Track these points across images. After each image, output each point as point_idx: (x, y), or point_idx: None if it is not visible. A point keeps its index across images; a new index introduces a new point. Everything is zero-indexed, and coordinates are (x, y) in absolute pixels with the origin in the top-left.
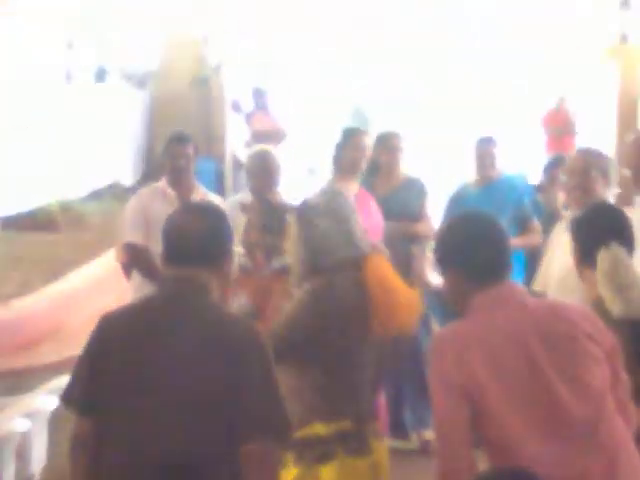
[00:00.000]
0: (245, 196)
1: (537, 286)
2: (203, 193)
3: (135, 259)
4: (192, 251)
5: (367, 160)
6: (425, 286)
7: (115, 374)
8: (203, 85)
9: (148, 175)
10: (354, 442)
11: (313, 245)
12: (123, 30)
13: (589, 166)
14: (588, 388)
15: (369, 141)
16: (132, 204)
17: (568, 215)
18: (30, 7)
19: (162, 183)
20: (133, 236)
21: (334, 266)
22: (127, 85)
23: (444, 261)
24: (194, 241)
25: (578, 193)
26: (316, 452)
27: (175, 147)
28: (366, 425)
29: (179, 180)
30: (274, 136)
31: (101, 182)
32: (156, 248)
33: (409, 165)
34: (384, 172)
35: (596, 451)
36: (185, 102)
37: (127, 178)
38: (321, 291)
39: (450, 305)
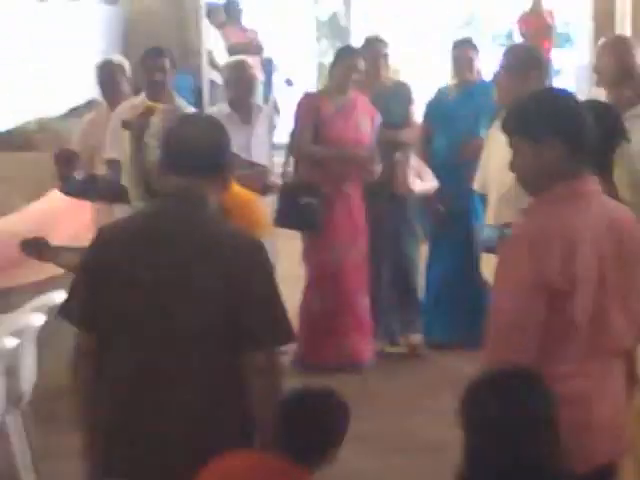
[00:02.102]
0: (223, 107)
1: (476, 186)
2: (182, 107)
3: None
4: (194, 161)
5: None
6: (408, 193)
7: (115, 286)
8: None
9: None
10: None
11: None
12: None
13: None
14: (636, 315)
15: (362, 63)
16: (112, 121)
17: (503, 113)
18: None
19: (141, 98)
20: (115, 153)
21: None
22: (100, 2)
23: (542, 129)
24: (197, 151)
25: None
26: None
27: (151, 61)
28: None
29: (157, 94)
30: (250, 49)
31: (78, 100)
32: None
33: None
34: (369, 78)
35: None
36: (159, 16)
37: None
38: None
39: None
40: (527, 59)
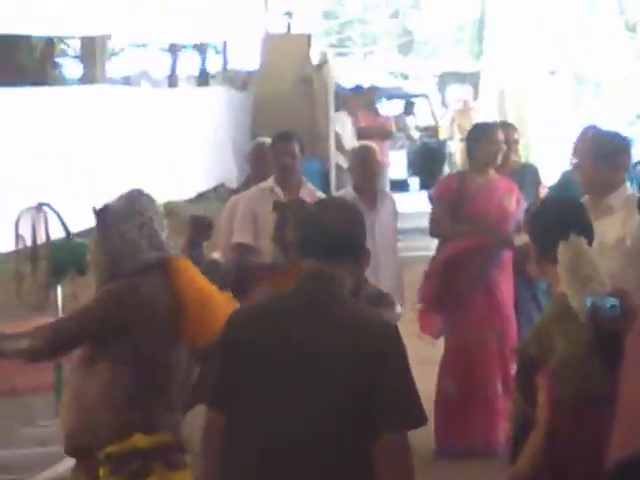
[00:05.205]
0: (348, 192)
1: None
2: (310, 191)
3: (246, 259)
4: (334, 245)
5: (501, 154)
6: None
7: (248, 367)
8: (306, 84)
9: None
10: (175, 456)
11: (112, 250)
12: (224, 33)
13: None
14: None
15: (502, 135)
16: (241, 205)
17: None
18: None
19: (270, 182)
20: (243, 237)
21: (136, 270)
22: (230, 87)
23: None
24: (338, 235)
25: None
26: (133, 467)
27: (280, 145)
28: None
29: (286, 178)
30: (379, 133)
31: (207, 184)
32: (265, 246)
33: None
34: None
35: None
36: (288, 102)
37: (232, 180)
38: (121, 291)
39: None
40: (615, 147)
